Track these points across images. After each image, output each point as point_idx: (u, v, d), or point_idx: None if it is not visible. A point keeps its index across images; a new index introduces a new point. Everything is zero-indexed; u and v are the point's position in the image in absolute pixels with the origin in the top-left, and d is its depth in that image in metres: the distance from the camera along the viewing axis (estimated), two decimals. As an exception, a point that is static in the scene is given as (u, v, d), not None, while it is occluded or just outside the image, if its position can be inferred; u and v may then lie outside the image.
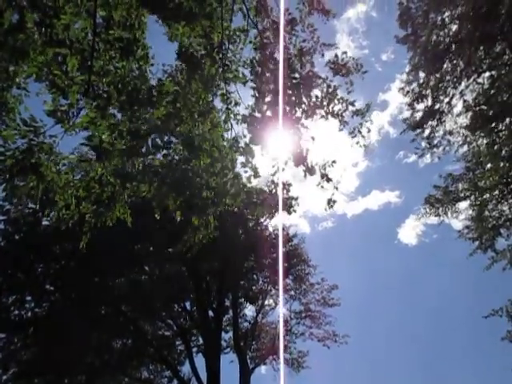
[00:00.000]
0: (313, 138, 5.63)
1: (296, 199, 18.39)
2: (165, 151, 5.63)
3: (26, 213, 17.36)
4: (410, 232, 46.32)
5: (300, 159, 5.63)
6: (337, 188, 6.05)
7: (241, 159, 5.96)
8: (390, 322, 39.20)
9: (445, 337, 38.51)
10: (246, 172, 6.07)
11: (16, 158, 5.09)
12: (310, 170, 5.74)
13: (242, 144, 5.89)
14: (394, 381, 36.87)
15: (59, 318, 16.14)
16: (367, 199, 48.83)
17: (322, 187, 5.92)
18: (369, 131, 5.87)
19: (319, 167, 5.82)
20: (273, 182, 6.19)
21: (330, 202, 6.17)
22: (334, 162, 5.87)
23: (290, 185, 6.59)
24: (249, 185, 6.67)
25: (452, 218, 16.31)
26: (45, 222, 17.41)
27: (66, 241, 16.18)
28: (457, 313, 38.91)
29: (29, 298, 17.42)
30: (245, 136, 5.92)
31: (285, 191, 6.97)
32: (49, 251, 17.06)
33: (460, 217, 16.22)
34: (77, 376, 17.78)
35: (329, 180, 5.87)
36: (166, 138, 5.44)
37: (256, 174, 6.07)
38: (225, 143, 5.62)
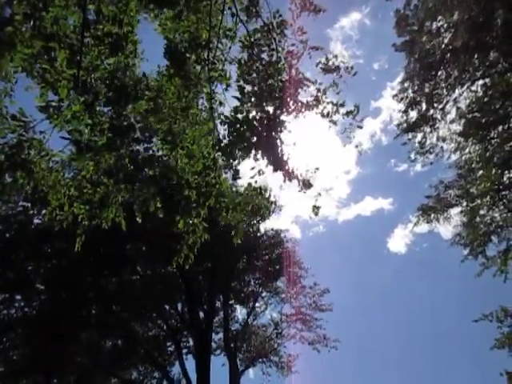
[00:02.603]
0: (294, 144, 5.60)
1: (272, 203, 18.48)
2: (146, 145, 5.63)
3: (17, 211, 17.26)
4: (399, 241, 46.64)
5: (279, 164, 5.58)
6: (320, 194, 6.02)
7: (222, 160, 5.94)
8: (380, 327, 39.33)
9: (434, 343, 38.68)
10: (226, 173, 6.05)
11: (5, 154, 5.08)
12: (289, 176, 5.69)
13: (223, 145, 5.89)
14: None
15: (49, 317, 16.03)
16: (360, 205, 49.13)
17: (304, 193, 5.89)
18: (360, 127, 5.84)
19: (300, 173, 5.77)
20: (250, 185, 6.13)
21: (315, 209, 6.14)
22: (317, 168, 5.84)
23: (266, 190, 6.54)
24: (230, 187, 6.63)
25: (444, 224, 16.41)
26: (36, 221, 17.33)
27: (57, 240, 16.08)
28: (446, 320, 39.11)
29: (19, 297, 17.33)
30: (225, 138, 5.91)
31: (260, 196, 6.91)
32: (40, 250, 16.96)
33: (451, 223, 16.32)
34: (66, 376, 17.66)
35: (310, 186, 5.83)
36: (147, 133, 5.44)
37: (236, 176, 6.05)
38: (206, 142, 5.60)
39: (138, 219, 6.11)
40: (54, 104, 4.88)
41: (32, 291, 17.42)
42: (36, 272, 17.62)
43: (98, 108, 4.86)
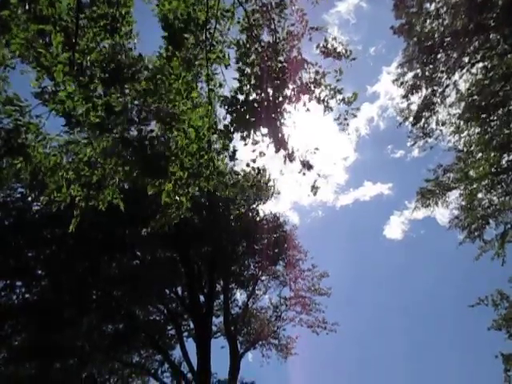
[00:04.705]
0: (294, 123, 5.60)
1: (270, 182, 18.50)
2: (140, 127, 5.61)
3: (16, 198, 17.23)
4: (395, 227, 46.86)
5: (280, 145, 5.59)
6: (319, 175, 6.05)
7: (219, 142, 5.93)
8: (377, 312, 39.78)
9: (431, 327, 39.19)
10: (221, 154, 6.04)
11: (2, 138, 5.06)
12: (290, 156, 5.71)
13: (221, 127, 5.89)
14: (380, 369, 37.56)
15: (50, 303, 16.13)
16: (359, 191, 49.22)
17: (304, 174, 5.91)
18: (355, 116, 5.83)
19: (300, 154, 5.79)
20: (248, 165, 6.11)
21: (314, 189, 6.18)
22: (316, 149, 5.85)
23: (264, 170, 6.56)
24: (224, 168, 6.65)
25: (442, 207, 16.46)
26: (35, 207, 17.31)
27: (56, 226, 16.10)
28: (442, 304, 39.56)
29: (19, 284, 17.39)
30: (225, 118, 5.91)
31: (259, 176, 6.95)
32: (39, 236, 16.97)
33: (449, 207, 16.38)
34: (68, 360, 17.84)
35: (310, 167, 5.85)
36: (143, 115, 5.41)
37: (233, 157, 6.05)
38: (202, 124, 5.56)
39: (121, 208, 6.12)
40: (49, 89, 4.85)
41: (32, 277, 17.48)
42: (36, 258, 17.66)
43: (92, 87, 4.79)
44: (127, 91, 5.11)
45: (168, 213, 6.23)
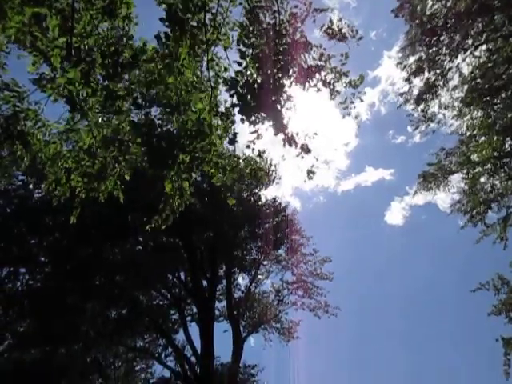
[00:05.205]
0: (295, 106, 5.54)
1: (272, 169, 18.43)
2: (147, 110, 5.55)
3: (17, 185, 17.24)
4: (396, 214, 46.89)
5: (280, 127, 5.55)
6: (317, 159, 6.03)
7: (220, 126, 5.87)
8: (378, 297, 40.07)
9: (431, 311, 39.49)
10: (222, 138, 5.98)
11: (1, 126, 5.00)
12: (289, 140, 5.67)
13: (222, 109, 5.83)
14: (380, 353, 38.03)
15: (54, 289, 16.25)
16: (360, 177, 49.14)
17: (302, 158, 5.88)
18: (361, 101, 5.76)
19: (300, 138, 5.75)
20: (247, 146, 6.06)
21: (310, 173, 6.17)
22: (315, 133, 5.80)
23: (263, 152, 6.48)
24: (224, 151, 6.58)
25: (444, 192, 16.39)
26: (36, 195, 17.33)
27: (58, 213, 16.11)
28: (443, 289, 39.81)
29: (23, 271, 17.50)
30: (226, 101, 5.85)
31: (259, 159, 6.90)
32: (41, 223, 17.02)
33: (451, 192, 16.32)
34: (73, 345, 18.05)
35: (308, 151, 5.82)
36: (145, 99, 5.34)
37: (233, 141, 6.00)
38: (203, 106, 5.49)
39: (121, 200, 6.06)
40: (47, 75, 4.76)
41: (36, 264, 17.60)
42: (39, 245, 17.75)
43: (91, 72, 4.71)
44: (128, 76, 5.03)
45: (171, 202, 6.17)
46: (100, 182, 5.88)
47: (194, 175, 6.37)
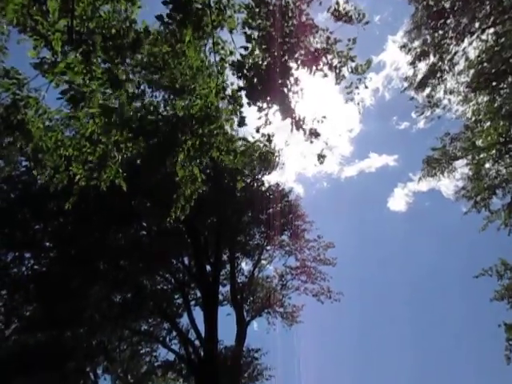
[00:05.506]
0: (302, 90, 5.46)
1: (276, 152, 18.32)
2: (149, 96, 5.50)
3: (21, 171, 17.28)
4: (399, 200, 46.68)
5: (288, 111, 5.49)
6: (327, 143, 5.99)
7: (227, 109, 5.81)
8: (381, 283, 40.22)
9: (434, 297, 39.64)
10: (230, 121, 5.92)
11: (1, 116, 4.94)
12: (297, 124, 5.62)
13: (229, 92, 5.76)
14: (383, 339, 38.38)
15: (59, 273, 16.40)
16: (364, 163, 48.81)
17: (311, 142, 5.83)
18: (366, 88, 5.67)
19: (307, 122, 5.69)
20: (258, 130, 5.99)
21: (320, 158, 6.13)
22: (324, 117, 5.73)
23: (272, 135, 6.39)
24: (234, 134, 6.52)
25: (448, 178, 16.29)
26: (40, 180, 17.34)
27: (62, 198, 16.14)
28: (447, 275, 39.90)
29: (28, 256, 17.65)
30: (232, 84, 5.79)
31: (268, 142, 6.83)
32: (46, 209, 17.10)
33: (455, 177, 16.22)
34: (78, 329, 18.29)
35: (317, 135, 5.76)
36: (148, 84, 5.28)
37: (242, 123, 5.92)
38: (209, 90, 5.42)
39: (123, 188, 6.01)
40: (48, 60, 4.68)
41: (40, 249, 17.74)
42: (43, 230, 17.87)
43: (92, 56, 4.62)
44: (129, 61, 4.95)
45: (184, 190, 6.12)
46: (101, 170, 5.84)
47: (204, 160, 6.31)
